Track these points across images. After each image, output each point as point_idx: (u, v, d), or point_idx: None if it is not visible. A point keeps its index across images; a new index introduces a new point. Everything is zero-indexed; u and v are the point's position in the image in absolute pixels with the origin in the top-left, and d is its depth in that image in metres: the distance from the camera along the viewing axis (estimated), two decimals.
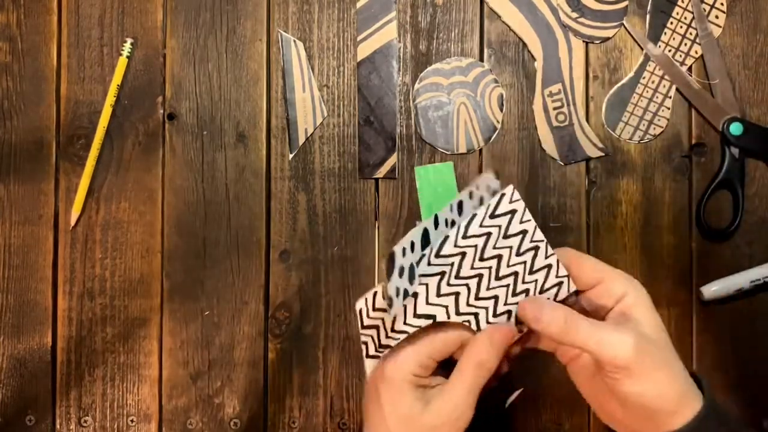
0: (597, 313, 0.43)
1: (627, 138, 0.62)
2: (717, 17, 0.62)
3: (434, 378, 0.43)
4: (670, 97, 0.62)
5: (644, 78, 0.62)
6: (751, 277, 0.60)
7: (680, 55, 0.62)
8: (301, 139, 0.63)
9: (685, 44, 0.62)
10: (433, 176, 0.61)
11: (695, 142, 0.63)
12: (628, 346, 0.39)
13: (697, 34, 0.62)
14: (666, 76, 0.62)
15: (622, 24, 0.63)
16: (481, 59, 0.63)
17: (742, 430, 0.43)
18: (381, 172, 0.63)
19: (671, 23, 0.62)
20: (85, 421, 0.62)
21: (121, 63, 0.63)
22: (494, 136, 0.63)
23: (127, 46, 0.63)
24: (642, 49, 0.63)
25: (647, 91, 0.62)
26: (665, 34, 0.62)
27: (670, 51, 0.62)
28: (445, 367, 0.44)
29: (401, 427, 0.42)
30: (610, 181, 0.63)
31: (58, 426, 0.62)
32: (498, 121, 0.63)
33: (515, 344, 0.44)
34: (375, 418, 0.43)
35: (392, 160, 0.63)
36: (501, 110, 0.63)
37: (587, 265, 0.43)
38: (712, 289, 0.60)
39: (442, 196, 0.61)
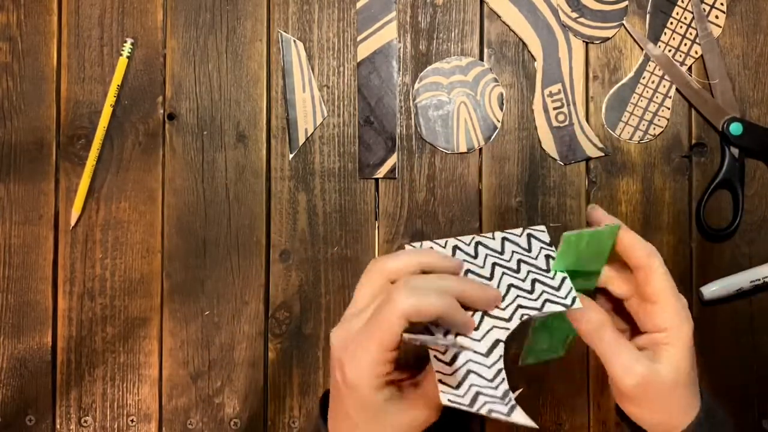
0: (637, 320, 0.43)
1: (627, 138, 0.62)
2: (717, 17, 0.62)
3: (405, 372, 0.42)
4: (670, 97, 0.62)
5: (644, 78, 0.62)
6: (750, 277, 0.60)
7: (680, 55, 0.62)
8: (301, 139, 0.63)
9: (685, 44, 0.62)
10: (587, 243, 0.43)
11: (695, 142, 0.63)
12: (635, 378, 0.39)
13: (697, 34, 0.62)
14: (666, 76, 0.62)
15: (622, 24, 0.63)
16: (481, 59, 0.63)
17: None
18: (381, 172, 0.63)
19: (671, 23, 0.62)
20: (85, 421, 0.62)
21: (121, 63, 0.63)
22: (494, 135, 0.63)
23: (127, 46, 0.63)
24: (642, 49, 0.63)
25: (647, 91, 0.62)
26: (665, 34, 0.63)
27: (670, 51, 0.62)
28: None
29: (372, 426, 0.40)
30: (610, 181, 0.63)
31: (58, 426, 0.62)
32: (498, 120, 0.63)
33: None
34: (344, 422, 0.41)
35: (392, 160, 0.63)
36: (501, 109, 0.63)
37: (648, 275, 0.42)
38: (711, 289, 0.60)
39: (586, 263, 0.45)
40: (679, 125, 0.63)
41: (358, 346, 0.38)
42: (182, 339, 0.62)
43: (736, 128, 0.61)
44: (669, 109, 0.62)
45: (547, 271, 0.43)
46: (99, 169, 0.63)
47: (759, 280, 0.60)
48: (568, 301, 0.41)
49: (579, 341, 0.43)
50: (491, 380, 0.38)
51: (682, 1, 0.62)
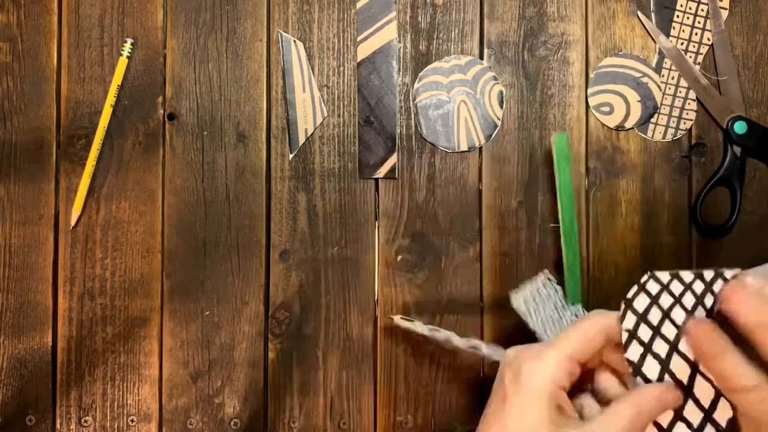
0: None
1: (660, 138, 0.62)
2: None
3: (578, 404, 0.37)
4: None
5: (663, 75, 0.62)
6: None
7: (693, 46, 0.62)
8: (301, 139, 0.63)
9: (696, 34, 0.62)
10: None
11: (695, 141, 0.63)
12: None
13: (704, 25, 0.62)
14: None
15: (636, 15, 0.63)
16: (481, 59, 0.63)
17: None
18: (381, 172, 0.63)
19: (677, 17, 0.63)
20: (86, 421, 0.62)
21: (122, 63, 0.63)
22: (495, 133, 0.63)
23: (127, 47, 0.63)
24: (654, 42, 0.63)
25: (669, 88, 0.62)
26: (673, 28, 0.63)
27: (682, 44, 0.62)
28: None
29: None
30: (610, 181, 0.63)
31: (58, 426, 0.62)
32: (498, 119, 0.63)
33: None
34: (495, 425, 0.37)
35: (392, 160, 0.63)
36: (501, 107, 0.63)
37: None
38: None
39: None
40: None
41: None
42: (182, 339, 0.62)
43: (740, 127, 0.61)
44: (695, 100, 0.62)
45: None
46: (99, 169, 0.63)
47: None
48: None
49: None
50: None
51: None
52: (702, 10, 0.63)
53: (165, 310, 0.63)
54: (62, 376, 0.63)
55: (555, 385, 0.35)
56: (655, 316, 0.37)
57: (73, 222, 0.63)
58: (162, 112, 0.63)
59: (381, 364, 0.62)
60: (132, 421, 0.62)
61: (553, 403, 0.35)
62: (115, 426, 0.62)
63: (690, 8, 0.63)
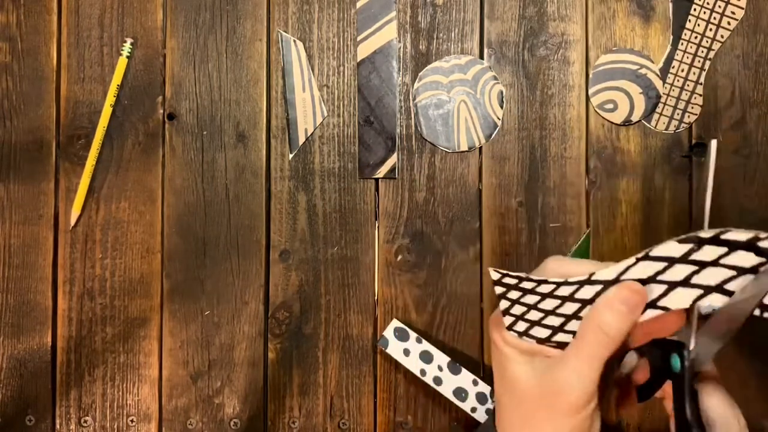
0: None
1: (663, 129, 0.62)
2: (733, 12, 0.63)
3: (551, 349, 0.37)
4: (701, 84, 0.62)
5: (673, 68, 0.62)
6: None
7: (706, 41, 0.62)
8: (301, 139, 0.63)
9: (710, 29, 0.62)
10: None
11: (695, 142, 0.63)
12: None
13: (719, 23, 0.63)
14: (695, 64, 0.62)
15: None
16: (482, 59, 0.63)
17: None
18: (381, 172, 0.63)
19: (694, 10, 0.63)
20: (85, 421, 0.62)
21: (121, 63, 0.63)
22: (495, 133, 0.63)
23: (127, 46, 0.63)
24: (666, 41, 0.63)
25: (678, 80, 0.62)
26: (689, 21, 0.63)
27: (696, 38, 0.62)
28: None
29: (508, 396, 0.37)
30: (610, 181, 0.63)
31: (58, 426, 0.62)
32: (498, 118, 0.63)
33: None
34: (495, 382, 0.39)
35: (392, 160, 0.63)
36: (501, 107, 0.63)
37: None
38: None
39: None
40: None
41: None
42: (182, 339, 0.62)
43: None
44: (701, 96, 0.62)
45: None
46: (99, 169, 0.63)
47: None
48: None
49: None
50: None
51: None
52: (719, 6, 0.63)
53: (165, 310, 0.63)
54: (62, 376, 0.63)
55: (514, 335, 0.37)
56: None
57: (72, 222, 0.63)
58: (162, 112, 0.63)
59: (381, 364, 0.62)
60: (132, 421, 0.62)
61: (520, 350, 0.37)
62: (115, 426, 0.62)
63: (708, 3, 0.63)
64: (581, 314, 0.36)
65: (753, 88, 0.63)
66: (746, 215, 0.62)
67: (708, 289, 0.33)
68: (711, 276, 0.33)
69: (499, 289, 0.38)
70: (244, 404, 0.62)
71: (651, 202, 0.63)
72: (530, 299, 0.37)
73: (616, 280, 0.35)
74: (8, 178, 0.63)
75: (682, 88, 0.62)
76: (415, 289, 0.62)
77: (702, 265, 0.33)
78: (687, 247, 0.33)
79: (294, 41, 0.63)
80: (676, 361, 0.36)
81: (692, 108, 0.62)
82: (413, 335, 0.61)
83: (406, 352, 0.61)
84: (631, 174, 0.63)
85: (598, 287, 0.35)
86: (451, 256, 0.62)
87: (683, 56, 0.63)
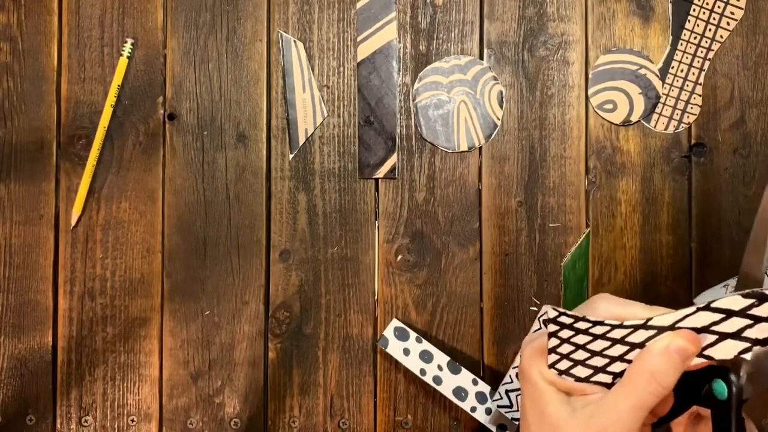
0: None
1: (662, 129, 0.62)
2: (732, 13, 0.63)
3: (590, 386, 0.37)
4: (701, 84, 0.63)
5: (672, 68, 0.63)
6: None
7: (706, 41, 0.63)
8: (301, 139, 0.63)
9: (710, 30, 0.63)
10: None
11: (695, 142, 0.63)
12: None
13: (719, 24, 0.63)
14: (694, 64, 0.62)
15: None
16: (481, 59, 0.63)
17: None
18: (381, 172, 0.63)
19: (694, 10, 0.63)
20: (86, 421, 0.62)
21: (122, 63, 0.63)
22: (495, 133, 0.63)
23: (127, 47, 0.63)
24: (666, 41, 0.63)
25: (677, 81, 0.62)
26: (689, 21, 0.63)
27: (695, 38, 0.63)
28: None
29: None
30: (610, 181, 0.63)
31: (58, 425, 0.62)
32: (498, 119, 0.63)
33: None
34: (522, 417, 0.38)
35: (392, 160, 0.63)
36: (501, 107, 0.63)
37: None
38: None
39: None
40: None
41: None
42: (182, 339, 0.63)
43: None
44: (700, 96, 0.62)
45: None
46: (99, 169, 0.63)
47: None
48: None
49: None
50: None
51: None
52: (718, 7, 0.63)
53: (165, 309, 0.63)
54: (62, 375, 0.63)
55: (550, 371, 0.37)
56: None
57: (73, 222, 0.63)
58: (162, 112, 0.63)
59: (381, 363, 0.62)
60: (132, 420, 0.62)
61: (555, 388, 0.37)
62: (115, 426, 0.62)
63: (707, 3, 0.63)
64: (627, 357, 0.36)
65: (752, 89, 0.63)
66: (745, 216, 0.62)
67: (755, 342, 0.33)
68: (762, 330, 0.33)
69: (552, 327, 0.38)
70: (244, 404, 0.62)
71: (650, 202, 0.63)
72: (580, 339, 0.37)
73: (671, 327, 0.35)
74: (9, 178, 0.63)
75: (681, 89, 0.63)
76: (415, 288, 0.63)
77: (757, 319, 0.33)
78: (749, 302, 0.33)
79: (294, 41, 0.63)
80: (721, 387, 0.35)
81: (691, 108, 0.63)
82: (413, 335, 0.61)
83: (406, 352, 0.61)
84: (630, 174, 0.63)
85: (652, 332, 0.35)
86: (450, 256, 0.63)
87: (682, 56, 0.63)
